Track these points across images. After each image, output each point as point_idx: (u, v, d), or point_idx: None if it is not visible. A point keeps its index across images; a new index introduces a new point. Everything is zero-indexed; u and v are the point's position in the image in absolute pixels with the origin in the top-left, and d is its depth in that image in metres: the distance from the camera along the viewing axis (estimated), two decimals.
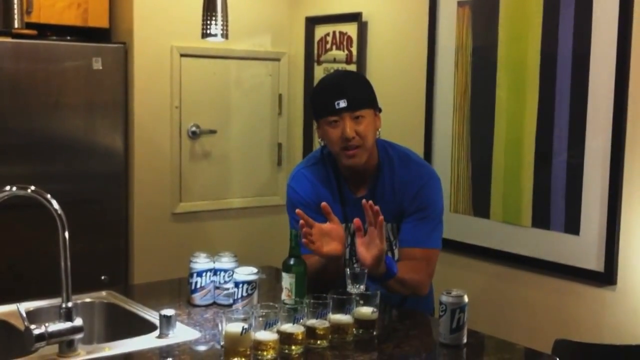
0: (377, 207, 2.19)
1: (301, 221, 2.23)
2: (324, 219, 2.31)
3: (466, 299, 2.04)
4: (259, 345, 1.89)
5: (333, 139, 2.38)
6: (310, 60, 4.14)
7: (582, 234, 2.94)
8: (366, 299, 2.13)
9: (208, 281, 2.34)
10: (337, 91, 2.36)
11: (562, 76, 2.99)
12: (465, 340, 2.04)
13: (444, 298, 2.03)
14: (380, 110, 2.47)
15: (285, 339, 1.94)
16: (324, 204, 2.29)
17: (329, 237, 2.27)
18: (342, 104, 2.34)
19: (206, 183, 4.10)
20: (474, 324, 2.12)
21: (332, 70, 3.93)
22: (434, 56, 3.50)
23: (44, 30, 3.73)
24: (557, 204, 3.02)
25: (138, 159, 3.87)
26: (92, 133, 3.77)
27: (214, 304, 2.34)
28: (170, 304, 2.30)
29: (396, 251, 2.47)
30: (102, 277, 3.73)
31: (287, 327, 1.96)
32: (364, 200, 2.20)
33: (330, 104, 2.35)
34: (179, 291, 2.56)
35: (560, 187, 3.00)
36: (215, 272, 2.35)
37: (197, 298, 2.34)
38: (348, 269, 2.32)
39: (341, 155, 2.40)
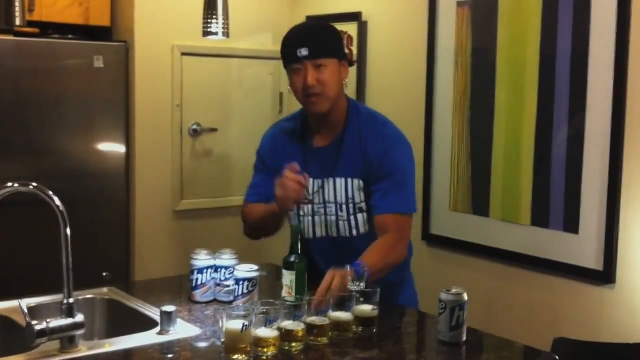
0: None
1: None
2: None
3: (466, 297, 2.04)
4: (259, 342, 1.90)
5: (296, 86, 2.43)
6: None
7: (581, 232, 2.95)
8: (366, 297, 2.13)
9: (209, 278, 2.35)
10: (300, 40, 2.39)
11: (561, 76, 3.00)
12: (464, 338, 2.05)
13: (444, 296, 2.04)
14: (347, 60, 2.49)
15: (286, 335, 1.95)
16: (293, 164, 2.33)
17: (284, 187, 2.32)
18: (304, 52, 2.36)
19: (207, 181, 4.11)
20: (474, 322, 2.13)
21: None
22: (433, 56, 3.51)
23: (46, 29, 3.74)
24: (556, 203, 3.03)
25: (139, 157, 3.88)
26: (94, 131, 3.78)
27: (215, 301, 2.35)
28: (171, 301, 2.31)
29: (360, 216, 2.47)
30: (104, 274, 3.74)
31: (288, 324, 1.96)
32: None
33: (293, 52, 2.38)
34: (179, 288, 2.57)
35: (560, 186, 3.01)
36: (216, 269, 2.36)
37: (198, 295, 2.35)
38: (349, 266, 2.33)
39: (304, 103, 2.46)
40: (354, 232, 2.48)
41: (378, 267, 2.30)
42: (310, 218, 2.52)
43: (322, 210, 2.50)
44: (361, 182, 2.45)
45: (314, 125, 2.52)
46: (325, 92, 2.39)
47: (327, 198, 2.49)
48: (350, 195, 2.45)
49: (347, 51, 3.92)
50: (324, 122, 2.48)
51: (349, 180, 2.45)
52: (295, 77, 2.41)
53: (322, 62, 2.37)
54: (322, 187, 2.48)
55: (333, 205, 2.48)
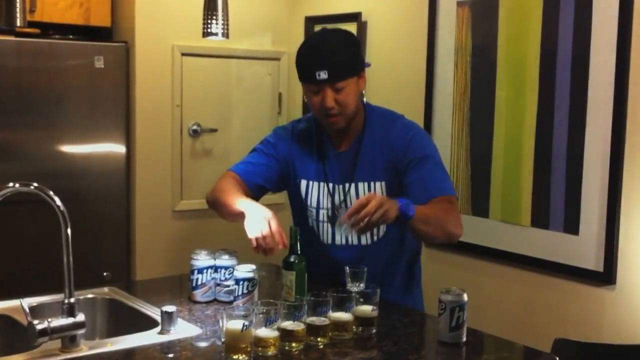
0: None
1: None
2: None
3: (465, 297, 2.04)
4: (259, 342, 1.90)
5: (314, 105, 2.35)
6: None
7: (581, 233, 2.95)
8: (366, 297, 2.13)
9: (209, 278, 2.35)
10: (318, 61, 2.28)
11: (561, 75, 3.00)
12: (464, 339, 2.04)
13: (444, 296, 2.04)
14: (364, 70, 2.40)
15: (286, 335, 1.95)
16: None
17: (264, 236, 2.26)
18: (323, 75, 2.27)
19: (207, 181, 4.08)
20: (473, 323, 2.13)
21: None
22: (433, 56, 3.51)
23: (47, 29, 3.75)
24: (556, 204, 3.03)
25: (139, 157, 3.89)
26: (94, 131, 3.79)
27: (215, 300, 2.36)
28: (171, 301, 2.32)
29: None
30: (105, 274, 3.75)
31: (288, 324, 1.96)
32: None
33: (311, 74, 2.29)
34: (180, 288, 2.57)
35: (560, 186, 3.01)
36: (215, 269, 2.37)
37: (198, 295, 2.35)
38: (348, 268, 2.33)
39: (322, 121, 2.40)
40: (375, 238, 2.43)
41: (426, 214, 2.19)
42: (329, 224, 2.46)
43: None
44: (383, 184, 2.39)
45: (331, 133, 2.46)
46: (344, 111, 2.33)
47: (349, 204, 2.40)
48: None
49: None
50: (343, 131, 2.42)
51: (372, 184, 2.39)
52: (313, 95, 2.34)
53: (341, 84, 2.30)
54: (345, 193, 2.42)
55: None
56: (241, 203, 2.36)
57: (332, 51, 2.31)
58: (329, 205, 2.44)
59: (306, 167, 2.47)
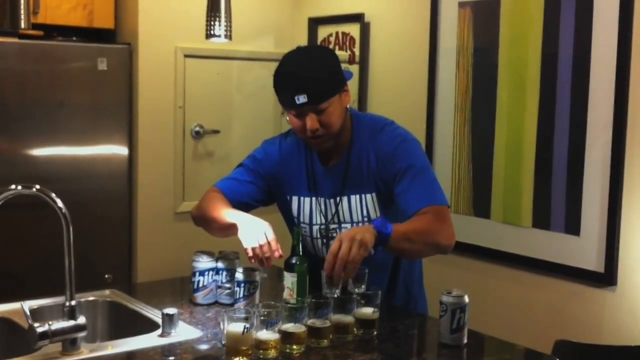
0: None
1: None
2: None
3: (467, 299, 2.05)
4: (260, 345, 1.90)
5: (297, 128, 2.29)
6: None
7: (582, 234, 2.95)
8: (367, 299, 2.14)
9: (210, 280, 2.36)
10: (296, 85, 2.20)
11: (562, 77, 3.00)
12: (465, 341, 2.05)
13: (445, 298, 2.04)
14: (346, 85, 2.31)
15: (287, 338, 1.95)
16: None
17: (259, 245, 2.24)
18: (302, 99, 2.19)
19: (209, 183, 4.07)
20: (474, 325, 2.13)
21: None
22: (435, 57, 3.52)
23: (50, 31, 3.75)
24: (557, 205, 3.03)
25: (142, 158, 3.89)
26: (97, 133, 3.79)
27: (216, 303, 2.36)
28: (172, 303, 2.31)
29: None
30: (106, 276, 3.75)
31: (289, 327, 1.97)
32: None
33: (290, 99, 2.21)
34: (181, 290, 2.57)
35: (561, 187, 3.02)
36: (217, 271, 2.37)
37: (199, 297, 2.35)
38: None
39: (307, 142, 2.35)
40: (372, 251, 2.38)
41: (408, 231, 2.13)
42: (323, 240, 2.43)
43: (337, 231, 2.37)
44: (374, 196, 2.34)
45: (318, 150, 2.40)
46: (329, 131, 2.26)
47: (342, 218, 2.38)
48: (365, 212, 2.35)
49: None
50: (330, 147, 2.35)
51: (363, 196, 2.34)
52: (294, 118, 2.27)
53: (323, 106, 2.22)
54: (337, 207, 2.38)
55: (349, 225, 2.37)
56: (232, 215, 2.34)
57: (309, 74, 2.23)
58: (322, 221, 2.41)
59: (296, 183, 2.42)
